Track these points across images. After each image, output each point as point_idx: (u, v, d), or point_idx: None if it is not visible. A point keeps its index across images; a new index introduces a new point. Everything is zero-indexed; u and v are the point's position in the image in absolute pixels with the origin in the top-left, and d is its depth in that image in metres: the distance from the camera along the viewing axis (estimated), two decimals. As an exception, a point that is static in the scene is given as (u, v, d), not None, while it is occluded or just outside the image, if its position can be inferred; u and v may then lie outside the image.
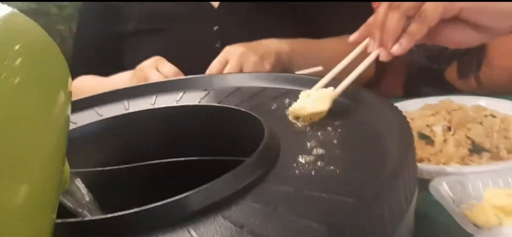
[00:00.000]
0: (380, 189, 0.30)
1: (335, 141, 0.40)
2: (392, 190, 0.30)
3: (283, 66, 0.80)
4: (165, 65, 0.79)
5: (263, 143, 0.38)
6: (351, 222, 0.28)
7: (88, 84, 0.94)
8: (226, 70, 0.75)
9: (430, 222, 0.45)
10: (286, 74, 0.56)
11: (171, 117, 0.50)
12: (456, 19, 0.50)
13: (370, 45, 0.53)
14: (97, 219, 0.31)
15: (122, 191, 0.44)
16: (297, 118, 0.45)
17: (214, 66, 0.76)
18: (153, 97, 0.57)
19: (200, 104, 0.52)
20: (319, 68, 0.73)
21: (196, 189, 0.32)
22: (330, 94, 0.45)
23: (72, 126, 0.50)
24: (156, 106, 0.54)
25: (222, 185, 0.33)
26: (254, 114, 0.44)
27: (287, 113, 0.46)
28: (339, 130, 0.42)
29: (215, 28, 0.92)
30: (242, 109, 0.46)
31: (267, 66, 0.77)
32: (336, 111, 0.45)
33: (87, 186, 0.39)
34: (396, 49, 0.50)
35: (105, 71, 0.91)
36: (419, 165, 0.52)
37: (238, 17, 0.92)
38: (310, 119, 0.44)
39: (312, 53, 0.85)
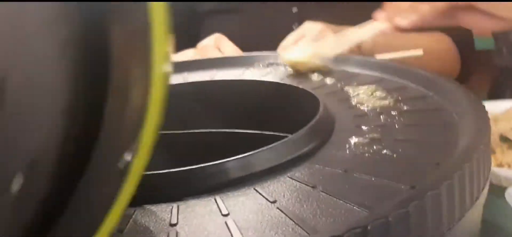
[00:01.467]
0: (439, 178, 0.25)
1: (397, 126, 0.35)
2: (453, 181, 0.25)
3: (362, 52, 0.76)
4: (225, 44, 0.77)
5: (313, 121, 0.34)
6: (399, 210, 0.23)
7: None
8: (300, 45, 0.72)
9: (500, 230, 0.39)
10: (356, 57, 0.51)
11: (227, 91, 0.48)
12: (471, 7, 0.50)
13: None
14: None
15: (168, 157, 0.42)
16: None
17: (289, 39, 0.73)
18: (213, 71, 0.55)
19: (256, 79, 0.49)
20: (419, 52, 0.66)
21: (230, 159, 0.29)
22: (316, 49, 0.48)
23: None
24: (213, 78, 0.52)
25: (259, 158, 0.30)
26: (310, 91, 0.40)
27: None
28: (404, 115, 0.37)
29: (294, 10, 0.89)
30: (300, 87, 0.43)
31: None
32: (406, 96, 0.40)
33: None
34: (400, 21, 0.51)
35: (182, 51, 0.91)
36: (496, 169, 0.46)
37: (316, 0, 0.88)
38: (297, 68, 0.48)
39: (397, 42, 0.80)
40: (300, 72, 0.50)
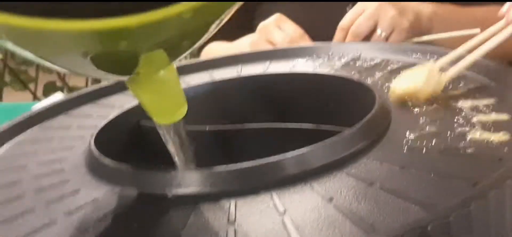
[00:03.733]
0: (502, 175, 0.25)
1: (456, 120, 0.34)
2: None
3: (422, 29, 0.74)
4: (287, 24, 0.77)
5: (369, 115, 0.34)
6: (460, 209, 0.23)
7: (216, 50, 0.96)
8: (359, 20, 0.70)
9: None
10: (412, 45, 0.50)
11: (281, 84, 0.48)
12: None
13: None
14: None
15: (223, 152, 0.43)
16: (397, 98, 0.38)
17: (348, 17, 0.72)
18: (267, 63, 0.55)
19: (309, 72, 0.49)
20: (477, 30, 0.61)
21: (286, 155, 0.30)
22: (435, 72, 0.38)
23: (184, 86, 0.50)
24: (267, 72, 0.52)
25: (315, 154, 0.30)
26: (365, 84, 0.40)
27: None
28: (468, 109, 0.36)
29: None
30: (355, 79, 0.43)
31: (405, 22, 0.71)
32: (466, 86, 0.39)
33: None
34: None
35: (237, 38, 0.92)
36: None
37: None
38: (411, 99, 0.37)
39: (457, 20, 0.77)
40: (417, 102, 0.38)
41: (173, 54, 0.28)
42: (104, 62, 0.26)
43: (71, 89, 2.03)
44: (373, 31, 0.70)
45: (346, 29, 0.72)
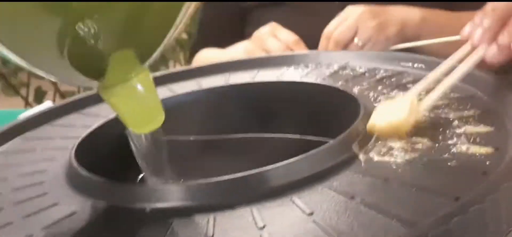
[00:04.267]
0: (484, 190, 0.24)
1: (443, 132, 0.34)
2: (499, 194, 0.24)
3: (409, 36, 0.74)
4: (282, 32, 0.77)
5: (352, 126, 0.33)
6: (439, 226, 0.22)
7: (207, 57, 0.96)
8: (341, 28, 0.70)
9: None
10: (400, 54, 0.50)
11: (266, 93, 0.48)
12: None
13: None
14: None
15: (203, 162, 0.42)
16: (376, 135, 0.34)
17: (332, 24, 0.72)
18: (255, 71, 0.55)
19: (294, 80, 0.48)
20: (457, 37, 0.59)
21: (268, 167, 0.29)
22: (415, 103, 0.36)
23: (169, 95, 0.50)
24: (253, 80, 0.52)
25: (296, 167, 0.29)
26: (351, 93, 0.39)
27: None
28: (451, 120, 0.36)
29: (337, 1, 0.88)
30: (340, 88, 0.42)
31: (387, 34, 0.71)
32: (454, 98, 0.39)
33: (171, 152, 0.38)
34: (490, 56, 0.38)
35: (228, 45, 0.92)
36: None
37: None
38: (392, 134, 0.34)
39: (448, 26, 0.77)
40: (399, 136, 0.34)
41: (140, 52, 0.28)
42: (74, 57, 0.26)
43: (62, 95, 2.02)
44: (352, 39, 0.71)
45: (329, 37, 0.72)
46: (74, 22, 0.24)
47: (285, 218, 0.26)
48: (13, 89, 1.94)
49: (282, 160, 0.30)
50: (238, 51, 0.85)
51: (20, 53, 0.26)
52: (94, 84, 0.30)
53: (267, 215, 0.27)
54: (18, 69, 1.95)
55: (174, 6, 0.27)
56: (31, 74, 2.03)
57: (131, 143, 0.31)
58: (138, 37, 0.27)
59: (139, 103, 0.29)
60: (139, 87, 0.29)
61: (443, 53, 0.46)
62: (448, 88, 0.38)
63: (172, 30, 0.27)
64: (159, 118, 0.30)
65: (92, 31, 0.25)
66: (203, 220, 0.27)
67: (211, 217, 0.27)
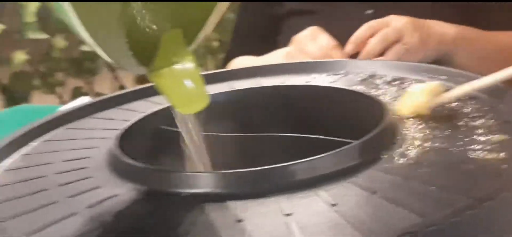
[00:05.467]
0: (497, 189, 0.26)
1: (462, 136, 0.36)
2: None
3: (445, 51, 0.75)
4: (321, 36, 0.79)
5: (377, 129, 0.35)
6: (452, 218, 0.24)
7: (243, 63, 0.98)
8: (382, 33, 0.72)
9: None
10: (426, 65, 0.52)
11: (296, 96, 0.50)
12: None
13: None
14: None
15: (238, 157, 0.45)
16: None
17: (371, 24, 0.74)
18: (284, 76, 0.57)
19: (323, 85, 0.50)
20: None
21: (296, 161, 0.31)
22: (435, 89, 0.40)
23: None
24: (284, 83, 0.54)
25: (322, 162, 0.31)
26: (376, 98, 0.41)
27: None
28: (472, 127, 0.37)
29: (368, 11, 0.89)
30: (366, 93, 0.44)
31: (427, 47, 0.73)
32: (477, 106, 0.40)
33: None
34: None
35: (262, 53, 0.94)
36: None
37: (394, 1, 0.88)
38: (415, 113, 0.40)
39: (482, 44, 0.78)
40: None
41: (186, 34, 0.30)
42: (131, 42, 0.29)
43: (97, 95, 2.09)
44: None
45: (356, 44, 0.74)
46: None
47: (310, 207, 0.28)
48: (49, 87, 2.01)
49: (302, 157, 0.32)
50: (277, 56, 0.87)
51: (90, 31, 0.29)
52: (142, 70, 0.32)
53: (293, 204, 0.29)
54: (54, 68, 2.03)
55: None
56: (67, 74, 2.12)
57: (180, 128, 0.34)
58: (184, 18, 0.30)
59: (184, 84, 0.32)
60: (185, 68, 0.31)
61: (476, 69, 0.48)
62: (475, 88, 0.40)
63: (214, 14, 0.30)
64: (204, 99, 0.33)
65: (145, 13, 0.27)
66: (235, 206, 0.29)
67: (241, 203, 0.30)
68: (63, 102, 1.97)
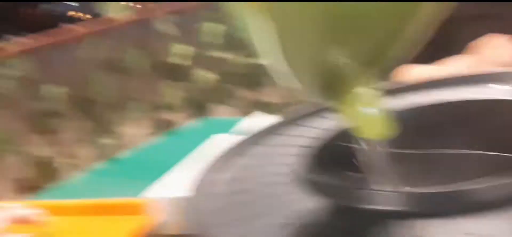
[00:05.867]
0: None
1: None
2: None
3: None
4: (506, 43, 0.76)
5: None
6: None
7: (422, 73, 0.97)
8: None
9: None
10: None
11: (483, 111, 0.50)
12: None
13: None
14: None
15: (420, 175, 0.46)
16: None
17: None
18: (464, 87, 0.56)
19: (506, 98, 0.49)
20: None
21: (475, 184, 0.33)
22: None
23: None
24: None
25: (504, 187, 0.32)
26: None
27: None
28: None
29: None
30: None
31: None
32: None
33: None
34: None
35: (433, 61, 0.92)
36: None
37: None
38: None
39: None
40: None
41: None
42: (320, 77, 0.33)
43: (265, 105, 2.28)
44: None
45: None
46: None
47: (491, 229, 0.30)
48: (226, 100, 2.23)
49: (488, 176, 0.33)
50: (459, 65, 0.85)
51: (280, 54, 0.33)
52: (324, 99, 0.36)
53: (473, 225, 0.31)
54: (233, 82, 2.25)
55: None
56: (241, 87, 2.32)
57: (367, 151, 0.37)
58: (381, 61, 0.33)
59: (370, 112, 0.35)
60: (370, 95, 0.35)
61: None
62: None
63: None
64: (391, 128, 0.36)
65: (343, 56, 0.31)
66: (414, 224, 0.32)
67: (422, 222, 0.32)
68: (240, 114, 2.15)
